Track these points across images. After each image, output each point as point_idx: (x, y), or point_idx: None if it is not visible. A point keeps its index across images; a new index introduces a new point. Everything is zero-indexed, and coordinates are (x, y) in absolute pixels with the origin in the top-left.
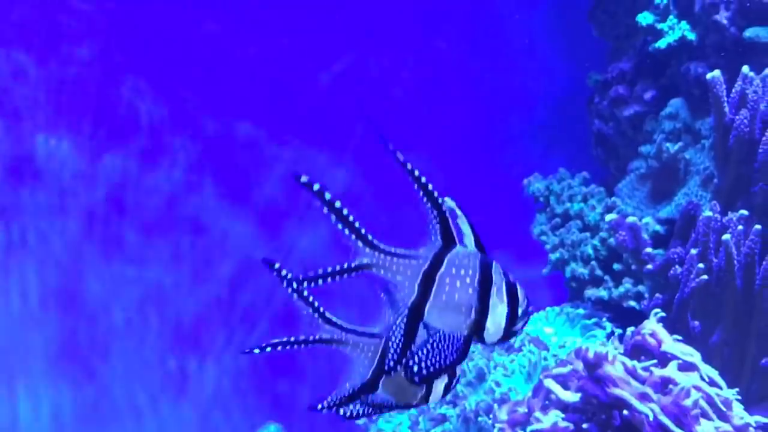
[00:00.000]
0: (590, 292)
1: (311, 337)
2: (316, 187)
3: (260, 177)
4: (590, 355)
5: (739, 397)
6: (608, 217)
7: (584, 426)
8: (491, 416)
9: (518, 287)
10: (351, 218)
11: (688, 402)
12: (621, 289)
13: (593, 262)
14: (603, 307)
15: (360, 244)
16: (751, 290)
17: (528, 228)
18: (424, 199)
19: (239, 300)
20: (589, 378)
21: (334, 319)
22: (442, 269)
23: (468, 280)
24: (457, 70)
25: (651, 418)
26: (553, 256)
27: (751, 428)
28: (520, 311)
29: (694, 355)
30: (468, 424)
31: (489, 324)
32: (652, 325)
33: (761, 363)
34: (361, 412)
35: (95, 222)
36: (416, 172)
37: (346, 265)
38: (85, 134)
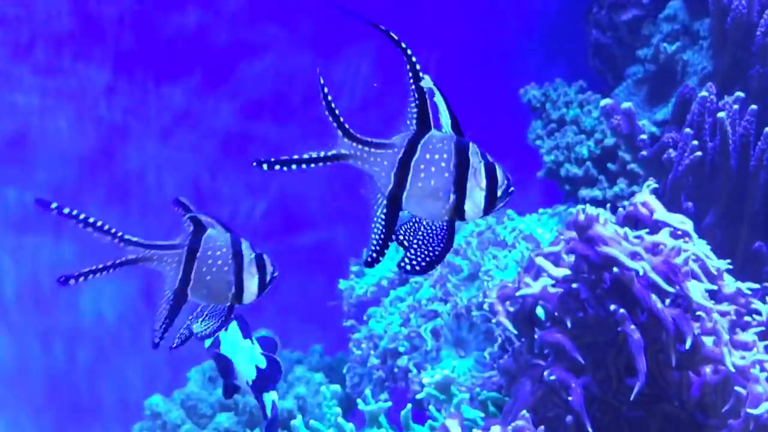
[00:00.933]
0: (584, 192)
1: (117, 261)
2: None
3: None
4: (581, 217)
5: (731, 267)
6: (603, 102)
7: (573, 286)
8: (483, 310)
9: (497, 167)
10: (333, 106)
11: (678, 260)
12: (615, 188)
13: (588, 163)
14: (597, 207)
15: (339, 133)
16: (746, 172)
17: (524, 139)
18: (411, 79)
19: None
20: (580, 239)
21: (135, 238)
22: (417, 155)
23: (443, 164)
24: None
25: (641, 273)
26: (548, 158)
27: (741, 296)
28: (499, 192)
29: (686, 223)
30: (460, 320)
31: (467, 207)
32: (644, 195)
33: (753, 247)
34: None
35: None
36: (396, 39)
37: (323, 154)
38: None
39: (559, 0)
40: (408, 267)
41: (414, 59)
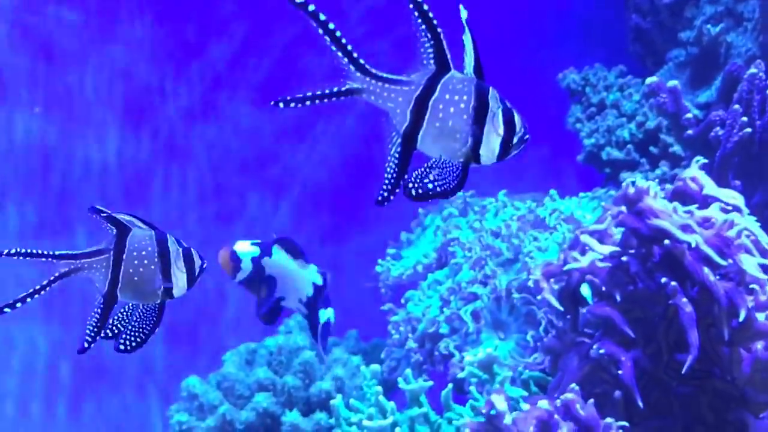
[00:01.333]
0: (626, 176)
1: (51, 278)
2: (311, 8)
3: None
4: (631, 190)
5: None
6: (648, 80)
7: (623, 259)
8: (523, 293)
9: (515, 114)
10: (344, 41)
11: (731, 233)
12: (657, 171)
13: (629, 146)
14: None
15: (351, 68)
16: None
17: (560, 126)
18: (418, 19)
19: None
20: (630, 212)
21: (63, 252)
22: (436, 94)
23: (462, 105)
24: None
25: (693, 246)
26: (588, 142)
27: None
28: (515, 139)
29: (737, 198)
30: (500, 302)
31: (482, 151)
32: (693, 171)
33: None
34: (131, 339)
35: None
36: None
37: (336, 89)
38: None
39: None
40: (413, 192)
41: (426, 7)
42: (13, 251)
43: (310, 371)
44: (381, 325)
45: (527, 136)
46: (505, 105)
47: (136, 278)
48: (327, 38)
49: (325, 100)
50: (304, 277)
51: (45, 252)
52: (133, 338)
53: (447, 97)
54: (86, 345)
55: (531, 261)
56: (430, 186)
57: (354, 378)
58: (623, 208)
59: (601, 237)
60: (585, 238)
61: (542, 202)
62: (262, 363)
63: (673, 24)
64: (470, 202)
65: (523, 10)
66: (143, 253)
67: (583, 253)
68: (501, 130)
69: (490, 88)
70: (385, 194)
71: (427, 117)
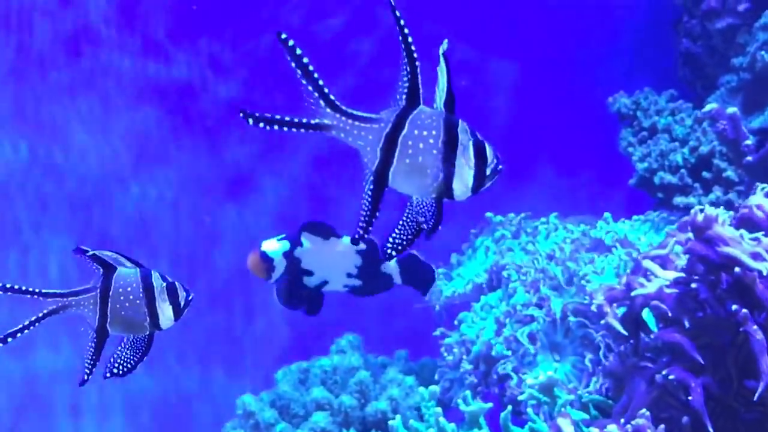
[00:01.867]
0: (679, 200)
1: (39, 314)
2: (290, 42)
3: None
4: (699, 218)
5: None
6: (708, 106)
7: (693, 286)
8: (579, 316)
9: (486, 145)
10: (316, 75)
11: None
12: (711, 196)
13: (682, 170)
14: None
15: (322, 103)
16: None
17: (610, 148)
18: (404, 52)
19: None
20: (698, 239)
21: (51, 290)
22: (405, 131)
23: (432, 141)
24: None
25: (765, 273)
26: (641, 166)
27: None
28: (488, 171)
29: None
30: (555, 324)
31: (455, 185)
32: (758, 198)
33: None
34: (122, 365)
35: None
36: (397, 13)
37: (305, 121)
38: None
39: (644, 10)
40: (391, 249)
41: (407, 31)
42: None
43: (365, 391)
44: (429, 345)
45: (500, 167)
46: (476, 137)
47: (123, 313)
48: (299, 71)
49: (294, 129)
50: (344, 251)
51: (33, 289)
52: (123, 365)
53: (416, 132)
54: (85, 377)
55: (588, 285)
56: (406, 237)
57: (408, 398)
58: (690, 235)
59: (663, 262)
60: (647, 264)
61: (593, 224)
62: (317, 382)
63: (725, 49)
64: (523, 225)
65: (572, 31)
66: (128, 289)
67: (645, 278)
68: (472, 163)
69: (460, 121)
70: (361, 232)
71: (396, 154)
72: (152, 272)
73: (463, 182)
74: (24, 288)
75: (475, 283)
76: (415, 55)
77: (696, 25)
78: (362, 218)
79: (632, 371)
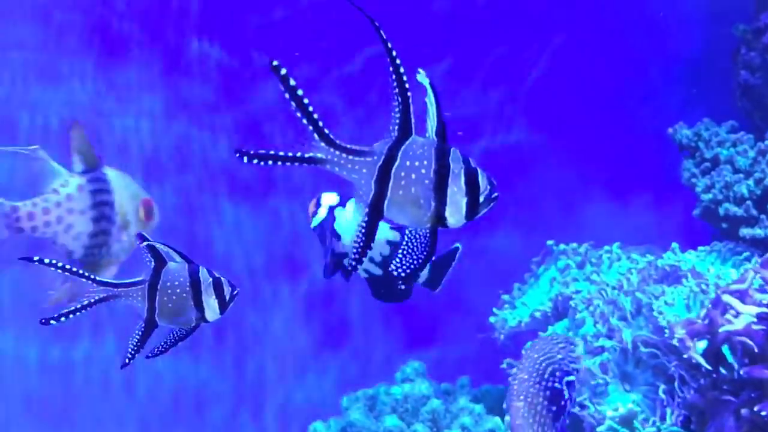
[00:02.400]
0: (746, 231)
1: (91, 300)
2: (283, 71)
3: None
4: None
5: None
6: None
7: None
8: (650, 347)
9: (479, 173)
10: (311, 108)
11: None
12: None
13: (748, 202)
14: (755, 245)
15: (316, 137)
16: None
17: (668, 178)
18: (394, 84)
19: None
20: None
21: (105, 279)
22: (397, 162)
23: (424, 171)
24: (594, 27)
25: None
26: (705, 197)
27: None
28: (481, 198)
29: None
30: (626, 355)
31: (448, 214)
32: None
33: None
34: (162, 347)
35: None
36: (389, 46)
37: (300, 155)
38: None
39: (699, 41)
40: (395, 273)
41: (399, 62)
42: (59, 265)
43: (437, 419)
44: (489, 371)
45: (495, 194)
46: (469, 165)
47: (170, 305)
48: (294, 104)
49: (288, 163)
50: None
51: (88, 274)
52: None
53: (408, 164)
54: (127, 361)
55: (660, 317)
56: (405, 266)
57: (478, 426)
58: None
59: (742, 296)
60: (728, 299)
61: (650, 253)
62: (387, 411)
63: None
64: (588, 255)
65: (629, 61)
66: (176, 283)
67: (724, 312)
68: (464, 191)
69: (452, 149)
70: (354, 263)
71: (390, 186)
72: (200, 268)
73: (456, 210)
74: (81, 272)
75: (541, 311)
76: (406, 86)
77: (755, 57)
78: (356, 249)
79: (715, 404)
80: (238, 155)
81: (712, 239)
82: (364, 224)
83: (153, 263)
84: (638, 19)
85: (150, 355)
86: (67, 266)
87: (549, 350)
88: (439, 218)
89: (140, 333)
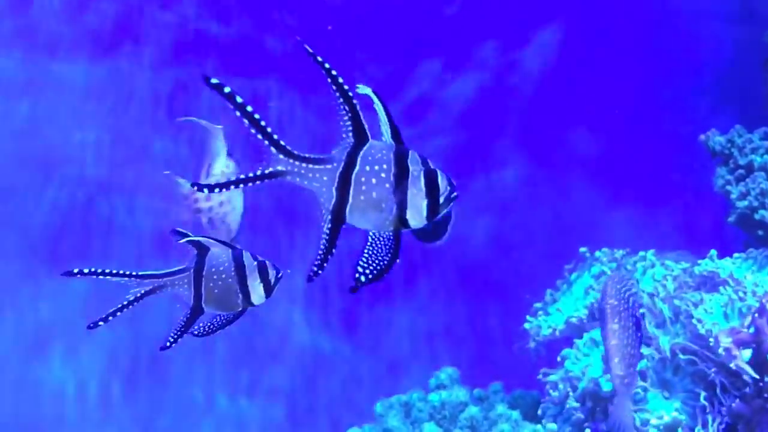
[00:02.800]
0: None
1: (138, 294)
2: (226, 90)
3: None
4: None
5: None
6: None
7: None
8: (688, 354)
9: (438, 174)
10: (263, 123)
11: None
12: None
13: None
14: None
15: (273, 150)
16: None
17: (698, 184)
18: (336, 94)
19: None
20: None
21: (148, 272)
22: (357, 168)
23: (383, 175)
24: (626, 36)
25: None
26: (740, 204)
27: None
28: (441, 198)
29: None
30: (665, 362)
31: (409, 216)
32: None
33: None
34: (206, 329)
35: None
36: (326, 65)
37: (259, 172)
38: None
39: (728, 49)
40: (362, 278)
41: (335, 73)
42: (99, 271)
43: (476, 426)
44: (522, 376)
45: (455, 194)
46: (428, 166)
47: (216, 291)
48: (246, 121)
49: (249, 184)
50: None
51: (129, 272)
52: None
53: (367, 168)
54: (168, 344)
55: (700, 324)
56: (371, 269)
57: None
58: None
59: None
60: None
61: (691, 261)
62: (425, 417)
63: None
64: (623, 262)
65: (659, 69)
66: (221, 268)
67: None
68: (424, 193)
69: (410, 152)
70: (315, 270)
71: (351, 191)
72: (243, 252)
73: (417, 212)
74: (121, 272)
75: (576, 317)
76: (350, 94)
77: None
78: (319, 256)
79: (761, 413)
80: (196, 189)
81: (745, 246)
82: (327, 231)
83: (196, 251)
84: (668, 27)
85: (197, 333)
86: (107, 270)
87: (626, 283)
88: (401, 220)
89: (185, 319)
